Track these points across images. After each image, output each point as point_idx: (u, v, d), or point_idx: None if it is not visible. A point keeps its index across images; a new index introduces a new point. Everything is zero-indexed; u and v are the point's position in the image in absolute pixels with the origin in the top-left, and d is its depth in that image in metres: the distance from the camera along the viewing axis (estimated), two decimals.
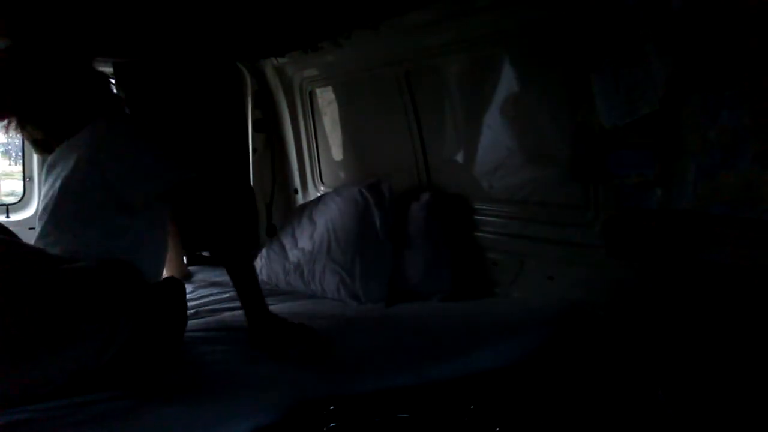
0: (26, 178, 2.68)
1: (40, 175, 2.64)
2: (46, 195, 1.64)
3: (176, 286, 1.57)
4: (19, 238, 1.65)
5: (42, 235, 1.58)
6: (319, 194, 2.81)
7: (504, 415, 1.44)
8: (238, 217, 1.62)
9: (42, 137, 1.67)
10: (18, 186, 2.78)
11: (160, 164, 1.59)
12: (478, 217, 2.16)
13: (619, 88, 1.58)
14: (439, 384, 1.47)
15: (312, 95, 2.87)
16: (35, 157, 2.65)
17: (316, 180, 2.98)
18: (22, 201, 2.72)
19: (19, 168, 2.77)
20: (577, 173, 1.77)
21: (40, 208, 1.66)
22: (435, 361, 1.54)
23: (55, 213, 1.58)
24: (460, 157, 2.25)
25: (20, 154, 2.74)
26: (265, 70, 2.93)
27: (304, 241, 2.39)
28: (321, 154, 2.94)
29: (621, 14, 1.54)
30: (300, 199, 2.99)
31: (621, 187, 1.65)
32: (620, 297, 1.68)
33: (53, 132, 1.65)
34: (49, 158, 1.68)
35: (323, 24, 2.11)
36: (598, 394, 1.54)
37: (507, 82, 1.98)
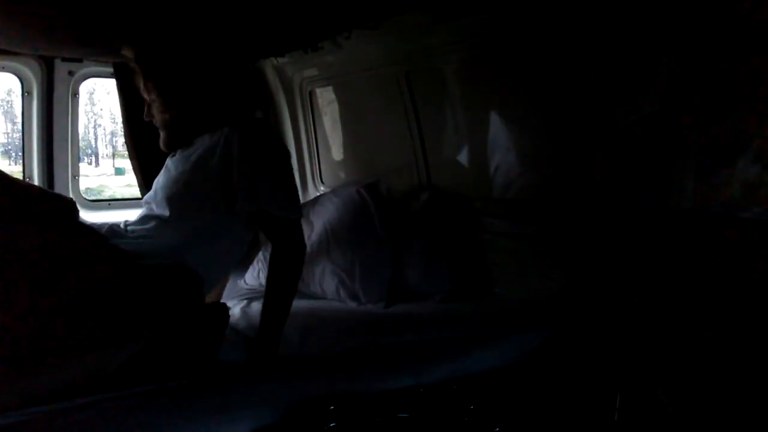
0: (26, 178, 2.67)
1: (40, 175, 2.64)
2: (166, 170, 1.68)
3: (221, 313, 1.53)
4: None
5: (146, 213, 1.64)
6: (319, 194, 2.81)
7: (504, 415, 1.44)
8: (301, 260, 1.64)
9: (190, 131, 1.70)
10: None
11: (270, 190, 1.58)
12: (478, 217, 2.16)
13: (619, 88, 1.58)
14: (439, 384, 1.47)
15: (312, 95, 2.87)
16: (35, 158, 2.65)
17: (316, 180, 2.98)
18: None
19: (19, 168, 2.77)
20: (576, 173, 1.78)
21: (158, 179, 1.70)
22: (435, 361, 1.54)
23: (167, 192, 1.61)
24: (459, 157, 2.25)
25: (20, 154, 2.74)
26: (265, 70, 2.93)
27: None
28: (321, 154, 2.94)
29: (621, 14, 1.55)
30: (300, 199, 2.99)
31: (621, 187, 1.65)
32: (620, 297, 1.68)
33: (200, 126, 1.68)
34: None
35: (323, 24, 2.11)
36: (598, 393, 1.54)
37: (507, 82, 1.98)
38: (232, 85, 1.74)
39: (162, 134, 1.71)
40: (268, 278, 1.57)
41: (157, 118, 1.68)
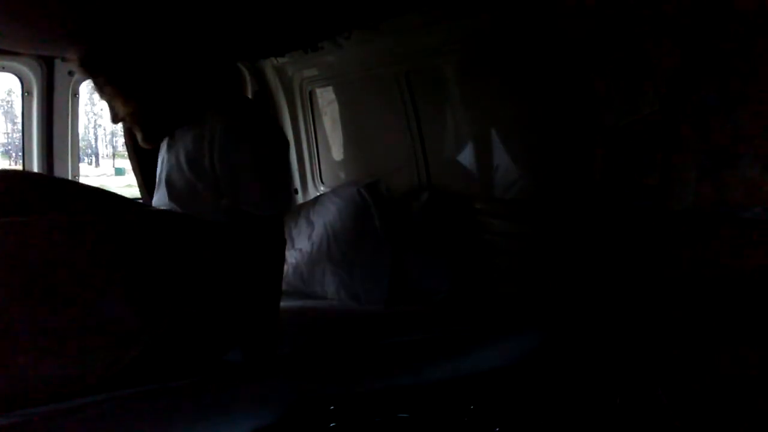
0: None
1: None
2: (161, 168, 1.67)
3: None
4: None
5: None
6: (319, 194, 2.81)
7: (504, 415, 1.44)
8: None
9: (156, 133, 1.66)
10: None
11: (248, 184, 1.51)
12: (478, 217, 2.16)
13: (619, 88, 1.58)
14: (439, 384, 1.47)
15: (312, 95, 2.87)
16: (35, 157, 2.65)
17: (316, 180, 2.98)
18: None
19: (19, 168, 2.77)
20: (576, 173, 1.78)
21: (159, 179, 1.69)
22: (435, 361, 1.54)
23: (169, 189, 1.61)
24: (459, 157, 2.25)
25: (20, 154, 2.74)
26: (265, 70, 2.93)
27: (302, 242, 2.38)
28: (321, 154, 2.94)
29: (621, 13, 1.55)
30: (300, 199, 2.99)
31: (621, 187, 1.65)
32: (620, 297, 1.68)
33: (175, 115, 1.63)
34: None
35: (323, 24, 2.11)
36: (598, 393, 1.54)
37: (507, 82, 1.98)
38: (203, 67, 1.64)
39: (137, 133, 1.66)
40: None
41: (121, 115, 1.61)
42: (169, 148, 1.66)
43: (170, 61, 1.59)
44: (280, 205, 1.57)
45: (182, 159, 1.57)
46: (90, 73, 1.57)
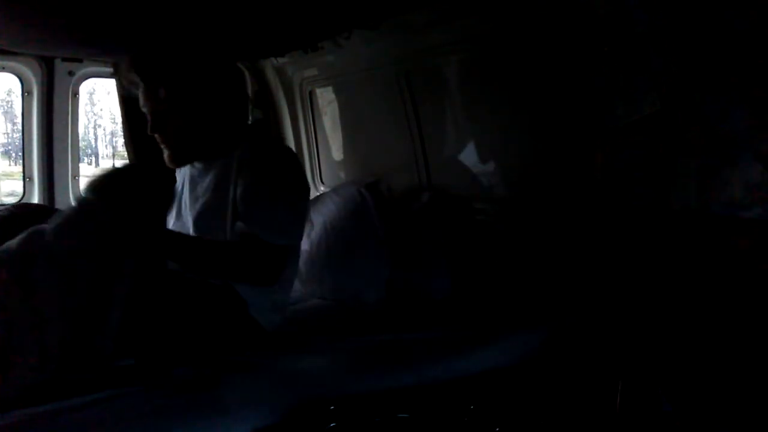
0: (26, 178, 2.67)
1: (40, 175, 2.64)
2: (181, 205, 1.69)
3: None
4: None
5: None
6: (319, 194, 2.81)
7: (504, 415, 1.44)
8: None
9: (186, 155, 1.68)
10: (18, 186, 2.78)
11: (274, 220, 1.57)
12: (478, 217, 2.16)
13: (619, 88, 1.58)
14: (439, 384, 1.47)
15: (312, 95, 2.87)
16: (35, 158, 2.65)
17: (316, 180, 2.98)
18: (22, 201, 2.72)
19: (19, 168, 2.77)
20: (577, 173, 1.78)
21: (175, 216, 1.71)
22: (435, 361, 1.54)
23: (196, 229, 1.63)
24: (459, 157, 2.25)
25: (20, 154, 2.74)
26: (265, 70, 2.93)
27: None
28: (321, 153, 2.94)
29: (621, 14, 1.55)
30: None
31: (622, 187, 1.65)
32: (621, 297, 1.68)
33: (210, 138, 1.65)
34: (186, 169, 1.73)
35: (323, 24, 2.11)
36: (598, 393, 1.54)
37: (507, 82, 1.98)
38: (238, 88, 1.71)
39: (168, 150, 1.67)
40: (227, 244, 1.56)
41: (170, 127, 1.61)
42: (194, 185, 1.69)
43: (214, 68, 1.65)
44: (292, 236, 1.63)
45: (210, 204, 1.62)
46: (147, 83, 1.59)
